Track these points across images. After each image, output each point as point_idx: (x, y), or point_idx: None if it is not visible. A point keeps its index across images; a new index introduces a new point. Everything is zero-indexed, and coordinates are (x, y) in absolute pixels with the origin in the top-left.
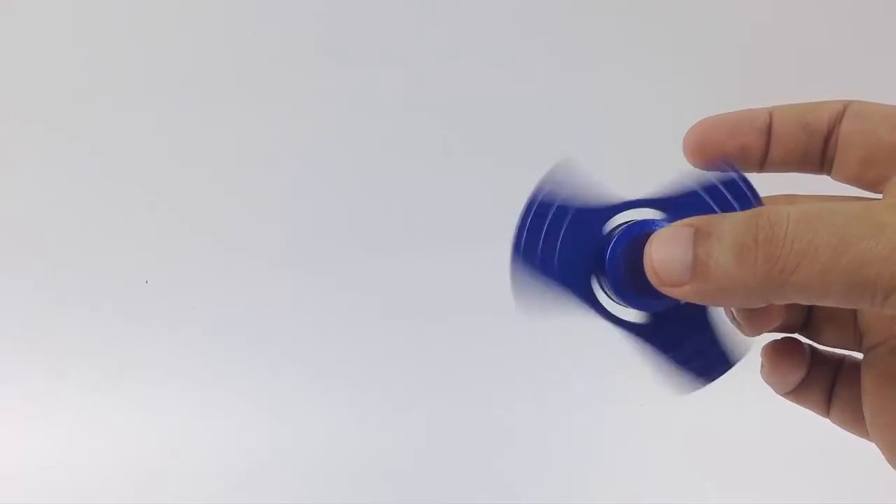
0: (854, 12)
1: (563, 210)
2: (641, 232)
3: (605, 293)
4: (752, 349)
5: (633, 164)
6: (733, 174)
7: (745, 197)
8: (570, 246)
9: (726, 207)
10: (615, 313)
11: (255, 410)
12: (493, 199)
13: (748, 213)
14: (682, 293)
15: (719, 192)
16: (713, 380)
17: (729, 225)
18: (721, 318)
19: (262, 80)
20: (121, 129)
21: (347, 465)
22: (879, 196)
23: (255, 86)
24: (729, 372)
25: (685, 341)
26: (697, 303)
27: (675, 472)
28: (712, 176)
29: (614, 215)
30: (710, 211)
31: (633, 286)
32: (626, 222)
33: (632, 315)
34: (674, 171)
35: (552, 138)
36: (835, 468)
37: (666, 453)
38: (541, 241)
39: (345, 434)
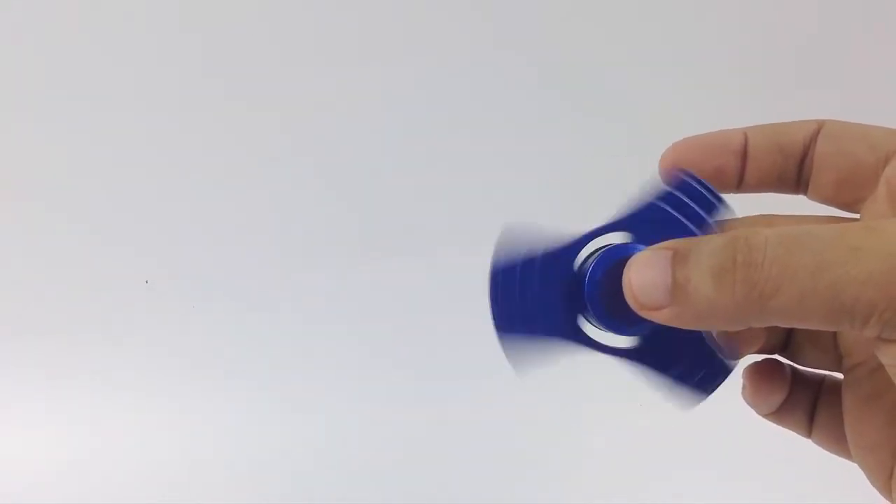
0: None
1: (528, 264)
2: (619, 256)
3: (593, 325)
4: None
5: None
6: (684, 177)
7: (702, 197)
8: (546, 294)
9: (686, 212)
10: (607, 343)
11: (255, 410)
12: (483, 203)
13: (726, 235)
14: (662, 317)
15: (676, 199)
16: (714, 390)
17: (707, 248)
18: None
19: (257, 84)
20: (121, 129)
21: (347, 465)
22: (857, 216)
23: (250, 89)
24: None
25: (681, 356)
26: (678, 326)
27: (671, 469)
28: (666, 184)
29: (580, 249)
30: (672, 220)
31: (615, 312)
32: (599, 249)
33: (623, 341)
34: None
35: (546, 140)
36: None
37: (662, 449)
38: (516, 302)
39: (345, 434)
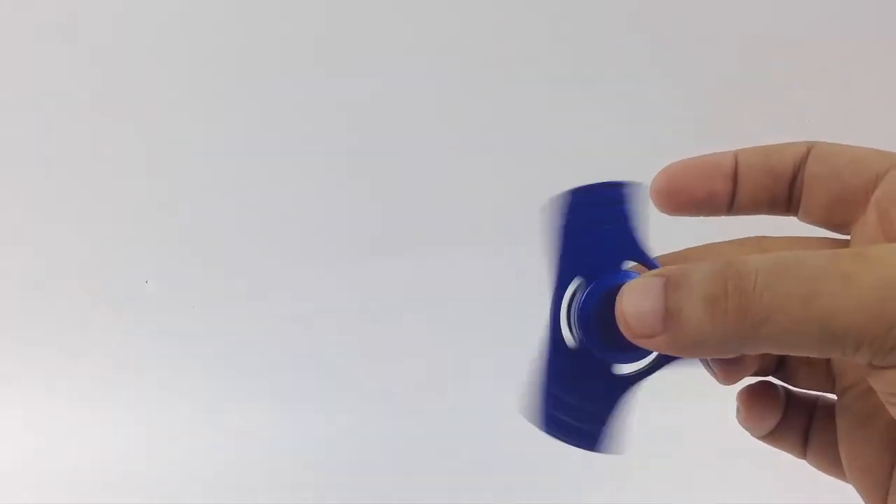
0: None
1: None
2: (614, 284)
3: (569, 306)
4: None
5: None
6: (573, 192)
7: (607, 195)
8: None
9: (606, 216)
10: (644, 366)
11: (256, 410)
12: (486, 204)
13: (718, 263)
14: (655, 344)
15: (587, 214)
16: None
17: (698, 275)
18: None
19: (258, 83)
20: (122, 128)
21: (350, 467)
22: (847, 237)
23: (253, 90)
24: None
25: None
26: (671, 354)
27: (675, 469)
28: (563, 207)
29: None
30: (601, 236)
31: (605, 337)
32: (572, 300)
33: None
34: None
35: (552, 138)
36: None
37: (666, 449)
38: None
39: (347, 436)
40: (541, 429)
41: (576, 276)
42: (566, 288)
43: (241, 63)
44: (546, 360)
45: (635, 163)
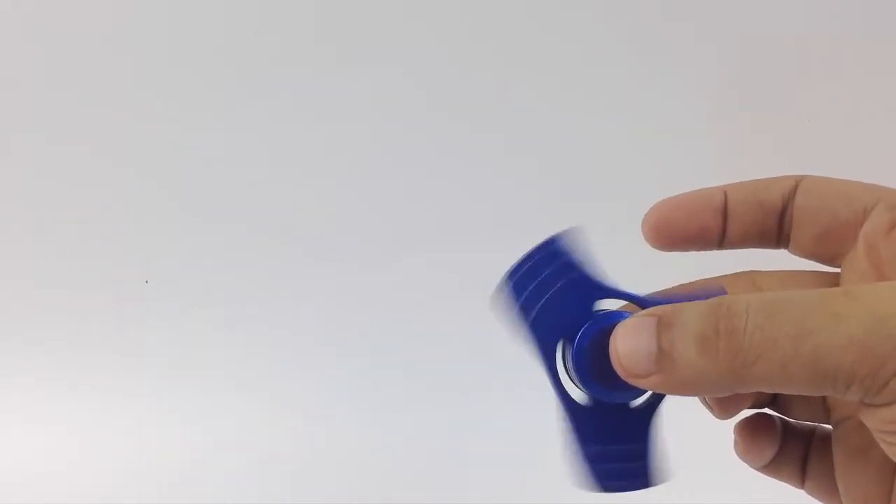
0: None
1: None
2: (608, 324)
3: (564, 365)
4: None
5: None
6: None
7: (549, 257)
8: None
9: (556, 273)
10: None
11: (256, 411)
12: (484, 206)
13: (709, 302)
14: (649, 384)
15: (535, 280)
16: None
17: (690, 315)
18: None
19: (260, 79)
20: (122, 127)
21: (349, 469)
22: (838, 270)
23: (252, 85)
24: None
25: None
26: (665, 393)
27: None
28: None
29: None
30: (561, 287)
31: (600, 377)
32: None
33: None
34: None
35: (555, 137)
36: None
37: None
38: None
39: (347, 438)
40: (597, 491)
41: (557, 340)
42: (554, 354)
43: (241, 61)
44: (569, 426)
45: (635, 161)
